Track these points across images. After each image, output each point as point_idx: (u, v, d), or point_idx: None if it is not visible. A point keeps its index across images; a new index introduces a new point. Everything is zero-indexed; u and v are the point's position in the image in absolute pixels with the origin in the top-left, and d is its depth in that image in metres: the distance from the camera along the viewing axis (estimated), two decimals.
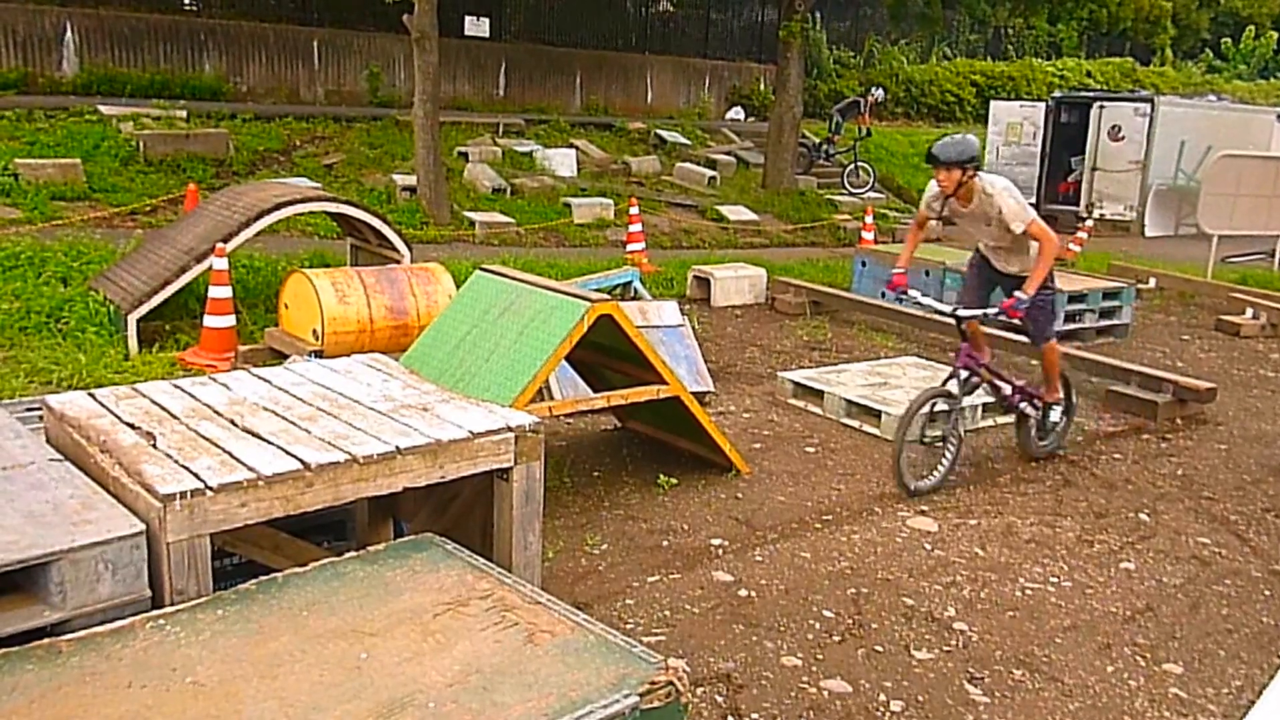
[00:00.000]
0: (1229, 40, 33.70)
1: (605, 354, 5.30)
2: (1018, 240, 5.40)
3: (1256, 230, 12.90)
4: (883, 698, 3.53)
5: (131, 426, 2.89)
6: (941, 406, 5.43)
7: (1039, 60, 29.00)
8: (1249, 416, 7.19)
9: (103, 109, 13.45)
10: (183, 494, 2.45)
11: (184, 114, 13.83)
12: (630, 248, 10.92)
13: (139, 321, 6.82)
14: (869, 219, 12.49)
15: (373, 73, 17.52)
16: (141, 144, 12.37)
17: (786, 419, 6.56)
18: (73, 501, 2.50)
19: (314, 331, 6.61)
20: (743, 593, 4.24)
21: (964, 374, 5.51)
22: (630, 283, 8.79)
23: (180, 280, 6.93)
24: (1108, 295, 9.37)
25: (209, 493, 2.49)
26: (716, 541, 4.73)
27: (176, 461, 2.63)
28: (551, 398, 5.64)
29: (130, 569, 2.37)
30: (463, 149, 14.93)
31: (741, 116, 22.23)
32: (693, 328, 7.18)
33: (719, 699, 3.47)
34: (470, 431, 3.00)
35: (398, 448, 2.84)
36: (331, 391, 3.36)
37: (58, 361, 6.43)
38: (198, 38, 16.23)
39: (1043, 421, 5.93)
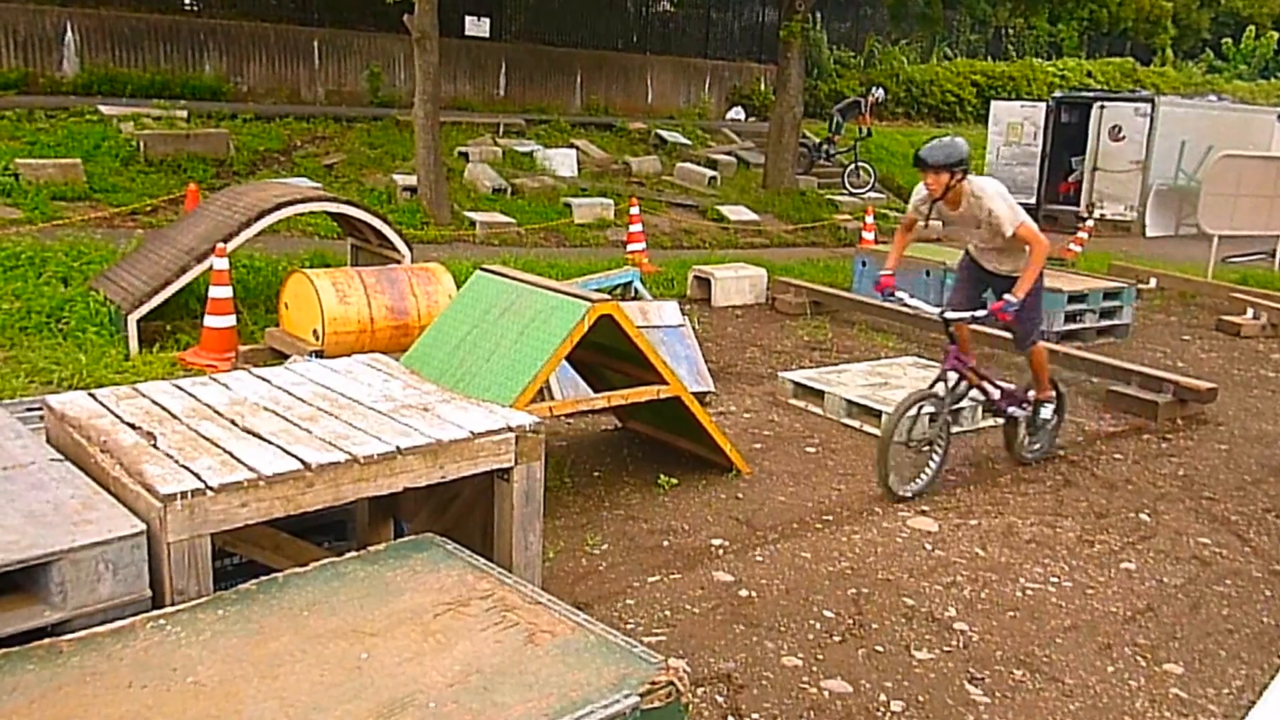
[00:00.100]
0: (1229, 40, 33.70)
1: (606, 354, 5.30)
2: (1009, 242, 5.32)
3: (1257, 230, 12.89)
4: (883, 698, 3.53)
5: (132, 426, 2.89)
6: (928, 409, 5.34)
7: (1039, 60, 29.00)
8: (1249, 417, 7.19)
9: (103, 109, 13.46)
10: (183, 494, 2.45)
11: (184, 114, 13.84)
12: (631, 248, 10.92)
13: (139, 321, 6.82)
14: (869, 219, 12.48)
15: (373, 73, 17.53)
16: (142, 144, 12.38)
17: (787, 419, 6.56)
18: (73, 501, 2.50)
19: (314, 331, 6.61)
20: (743, 593, 4.24)
21: (952, 377, 5.43)
22: (631, 283, 8.78)
23: (181, 280, 6.94)
24: (1108, 295, 9.36)
25: (209, 493, 2.49)
26: (717, 541, 4.73)
27: (177, 461, 2.63)
28: (552, 398, 5.64)
29: (131, 569, 2.37)
30: (463, 149, 14.94)
31: (742, 116, 22.23)
32: (693, 328, 7.18)
33: (719, 699, 3.46)
34: (471, 431, 3.00)
35: (398, 448, 2.84)
36: (332, 391, 3.36)
37: (58, 361, 6.43)
38: (198, 38, 16.23)
39: (1033, 419, 5.84)
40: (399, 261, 7.83)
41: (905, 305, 5.56)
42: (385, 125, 15.47)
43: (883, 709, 3.47)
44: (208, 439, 2.83)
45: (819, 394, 6.68)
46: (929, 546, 4.80)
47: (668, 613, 4.04)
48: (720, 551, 4.63)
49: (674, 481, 5.35)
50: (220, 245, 6.88)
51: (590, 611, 3.76)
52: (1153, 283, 11.88)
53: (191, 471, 2.57)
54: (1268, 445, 6.57)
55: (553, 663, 2.20)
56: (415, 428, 3.00)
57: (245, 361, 6.56)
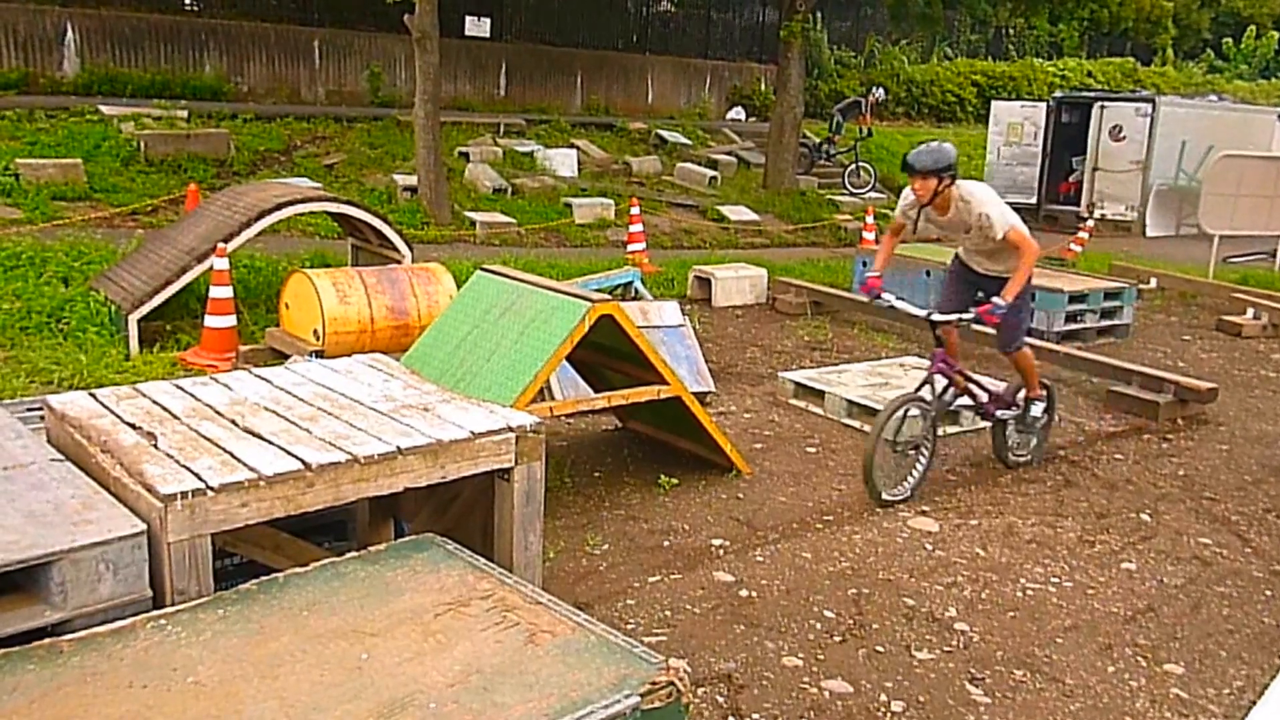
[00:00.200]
0: (1230, 40, 33.70)
1: (606, 354, 5.30)
2: (999, 244, 5.23)
3: (1257, 230, 12.89)
4: (884, 698, 3.53)
5: (132, 426, 2.89)
6: (915, 413, 5.25)
7: (1040, 60, 28.99)
8: (1250, 417, 7.19)
9: (103, 109, 13.46)
10: (184, 494, 2.45)
11: (185, 114, 13.84)
12: (631, 248, 10.92)
13: (140, 321, 6.82)
14: (870, 219, 12.48)
15: (373, 73, 17.53)
16: (142, 144, 12.38)
17: (787, 419, 6.56)
18: (74, 501, 2.50)
19: (315, 331, 6.61)
20: (744, 593, 4.24)
21: (939, 380, 5.35)
22: (631, 283, 8.78)
23: (181, 280, 6.94)
24: (1109, 295, 9.36)
25: (210, 493, 2.49)
26: (717, 542, 4.73)
27: (177, 461, 2.63)
28: (552, 398, 5.64)
29: (131, 569, 2.37)
30: (463, 149, 14.94)
31: (742, 116, 22.23)
32: (693, 328, 7.18)
33: (720, 699, 3.46)
34: (471, 432, 3.00)
35: (399, 448, 2.84)
36: (332, 392, 3.36)
37: (59, 362, 6.43)
38: (198, 38, 16.24)
39: (1023, 417, 5.74)
40: (399, 261, 7.83)
41: (893, 307, 5.44)
42: (386, 125, 15.47)
43: (883, 709, 3.47)
44: (208, 439, 2.83)
45: (819, 394, 6.68)
46: (929, 547, 4.80)
47: (668, 613, 4.04)
48: (721, 552, 4.63)
49: (674, 482, 5.35)
50: (221, 245, 6.88)
51: (591, 611, 3.76)
52: (1153, 283, 11.88)
53: (192, 471, 2.57)
54: (1268, 445, 6.57)
55: (553, 663, 2.20)
56: (416, 428, 3.00)
57: (246, 361, 6.56)
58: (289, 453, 2.74)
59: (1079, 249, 13.18)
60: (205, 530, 2.49)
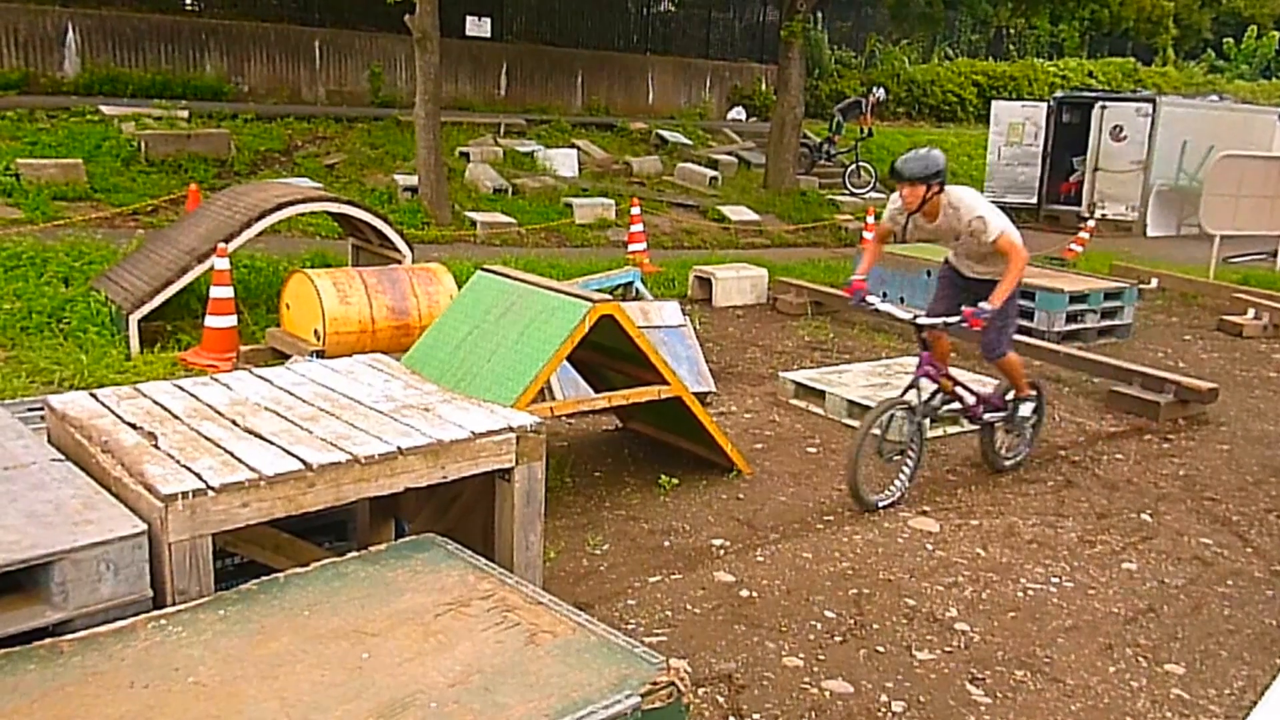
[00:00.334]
0: (1231, 40, 33.69)
1: (607, 354, 5.30)
2: (990, 249, 5.15)
3: (1258, 231, 12.88)
4: (884, 698, 3.53)
5: (133, 427, 2.89)
6: (900, 418, 5.18)
7: (1041, 60, 28.99)
8: (1251, 417, 7.19)
9: (104, 109, 13.47)
10: (184, 494, 2.45)
11: (185, 114, 13.85)
12: (632, 248, 10.92)
13: (140, 322, 6.83)
14: (871, 219, 12.47)
15: (374, 73, 17.54)
16: (143, 144, 12.39)
17: (788, 419, 6.56)
18: (74, 501, 2.50)
19: (315, 332, 6.61)
20: (744, 593, 4.24)
21: (925, 384, 5.26)
22: (632, 283, 8.79)
23: (182, 280, 6.94)
24: (1110, 296, 9.36)
25: (210, 493, 2.49)
26: (718, 542, 4.73)
27: (178, 462, 2.64)
28: (553, 398, 5.64)
29: (132, 569, 2.37)
30: (464, 149, 14.95)
31: (743, 116, 22.23)
32: (694, 328, 7.18)
33: (720, 699, 3.46)
34: (472, 432, 3.00)
35: (399, 448, 2.84)
36: (333, 392, 3.36)
37: (59, 362, 6.43)
38: (199, 38, 16.24)
39: (1011, 418, 5.65)
40: (400, 261, 7.83)
41: (878, 310, 5.35)
42: (386, 125, 15.47)
43: (884, 709, 3.46)
44: (209, 439, 2.83)
45: (820, 394, 6.68)
46: (930, 547, 4.80)
47: (669, 613, 4.04)
48: (721, 552, 4.63)
49: (675, 482, 5.35)
50: (221, 245, 6.88)
51: (591, 612, 3.76)
52: (1154, 283, 11.87)
53: (193, 472, 2.57)
54: (1269, 446, 6.56)
55: (554, 663, 2.20)
56: (416, 428, 3.00)
57: (246, 362, 6.56)
58: (290, 453, 2.74)
59: (1080, 249, 13.18)
60: (206, 530, 2.49)
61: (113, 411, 3.01)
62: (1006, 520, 5.15)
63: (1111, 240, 16.06)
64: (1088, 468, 5.98)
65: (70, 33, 15.02)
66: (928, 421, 5.38)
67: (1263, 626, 4.19)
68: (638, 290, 8.77)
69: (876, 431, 5.06)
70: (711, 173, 16.47)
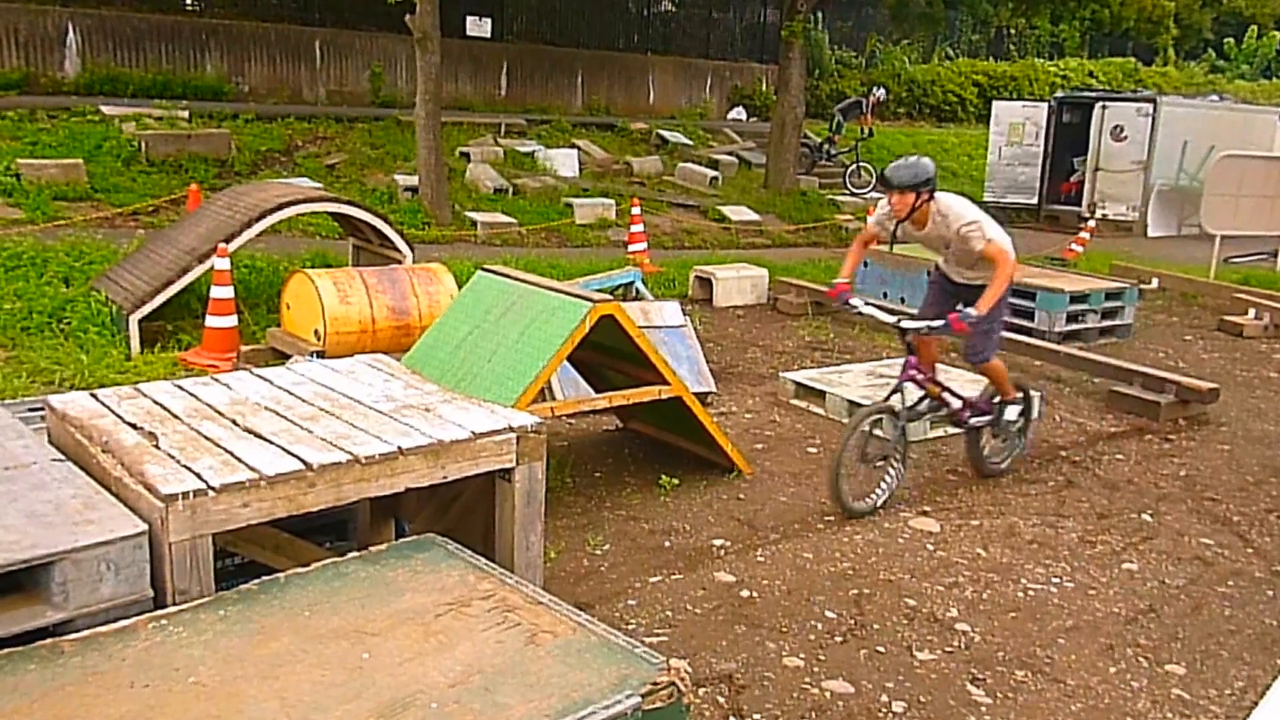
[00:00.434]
0: (1231, 40, 33.68)
1: (607, 354, 5.30)
2: (980, 255, 5.11)
3: (1259, 231, 12.88)
4: (885, 698, 3.53)
5: (133, 427, 2.89)
6: (884, 423, 5.15)
7: (1041, 60, 28.97)
8: (1251, 417, 7.18)
9: (105, 109, 13.47)
10: (185, 494, 2.45)
11: (186, 114, 13.85)
12: (632, 248, 10.92)
13: (141, 322, 6.83)
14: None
15: (374, 73, 17.53)
16: (143, 144, 12.38)
17: (788, 419, 6.56)
18: (75, 501, 2.50)
19: (316, 332, 6.61)
20: (745, 593, 4.24)
21: (910, 389, 5.22)
22: (632, 283, 8.79)
23: (182, 280, 6.94)
24: (1110, 296, 9.35)
25: (211, 493, 2.49)
26: (718, 542, 4.73)
27: (178, 461, 2.63)
28: (553, 398, 5.64)
29: (132, 569, 2.37)
30: (464, 149, 14.94)
31: (743, 117, 22.23)
32: (695, 328, 7.18)
33: (721, 699, 3.46)
34: (472, 432, 3.00)
35: (400, 448, 2.84)
36: (333, 392, 3.36)
37: (60, 362, 6.43)
38: (199, 38, 16.24)
39: (997, 422, 5.58)
40: (400, 262, 7.83)
41: (861, 313, 5.32)
42: (387, 125, 15.47)
43: (884, 710, 3.46)
44: (209, 439, 2.83)
45: (820, 394, 6.68)
46: (930, 547, 4.79)
47: (669, 613, 4.04)
48: (722, 552, 4.62)
49: (675, 482, 5.35)
50: (222, 245, 6.88)
51: (592, 612, 3.76)
52: (1155, 283, 11.87)
53: (193, 472, 2.57)
54: (1270, 446, 6.56)
55: (554, 663, 2.20)
56: (417, 428, 3.00)
57: (247, 362, 6.56)
58: (290, 453, 2.74)
59: (1080, 249, 13.16)
60: (206, 530, 2.49)
61: (113, 411, 3.01)
62: (1007, 520, 5.15)
63: (1112, 240, 16.06)
64: (1088, 468, 5.98)
65: (71, 33, 15.02)
66: (920, 425, 5.34)
67: (1263, 627, 4.19)
68: (638, 290, 8.77)
69: (860, 436, 5.03)
70: (712, 173, 16.46)
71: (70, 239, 8.87)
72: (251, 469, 2.62)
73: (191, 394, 3.24)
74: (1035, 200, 17.91)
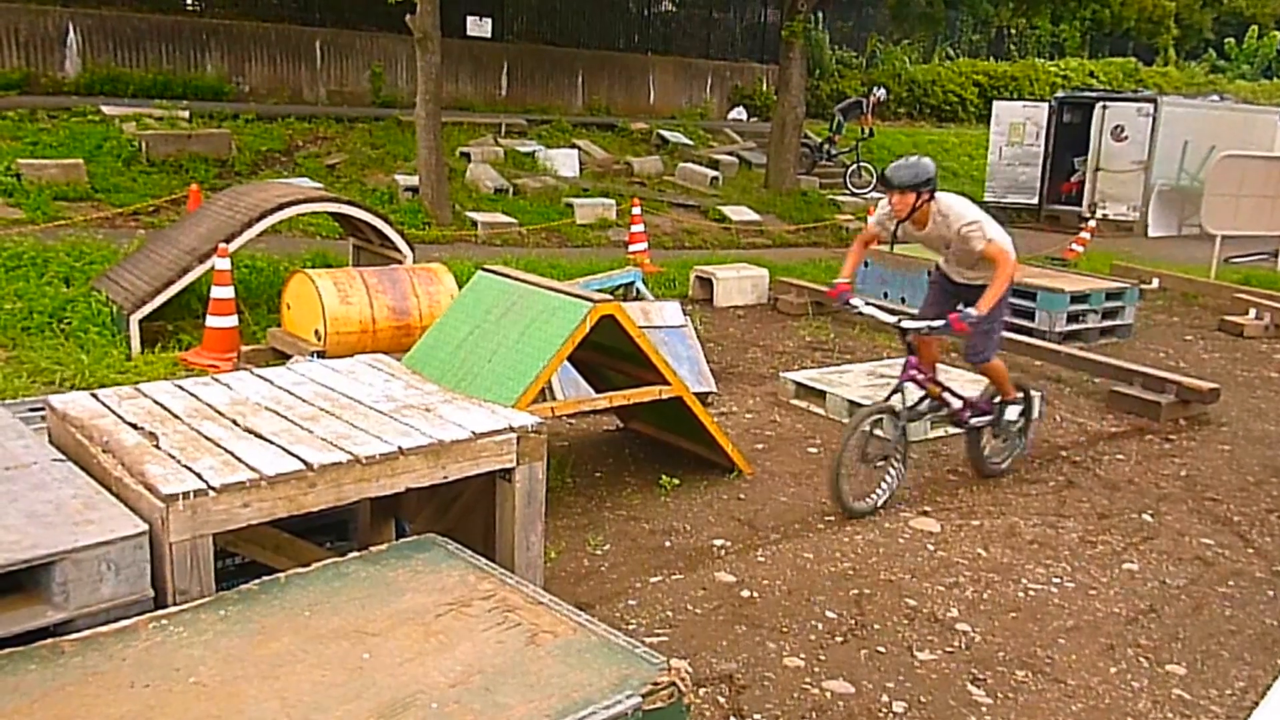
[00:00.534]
0: (1232, 40, 33.66)
1: (607, 354, 5.30)
2: (979, 255, 5.11)
3: (1260, 231, 12.87)
4: (885, 699, 3.53)
5: (134, 427, 2.89)
6: (884, 423, 5.14)
7: (1042, 60, 28.97)
8: (1252, 417, 7.18)
9: (105, 109, 13.47)
10: (185, 494, 2.45)
11: (186, 114, 13.85)
12: (632, 248, 10.92)
13: (141, 322, 6.83)
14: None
15: (375, 73, 17.54)
16: (144, 144, 12.39)
17: (789, 419, 6.56)
18: (75, 502, 2.50)
19: (316, 332, 6.61)
20: (745, 593, 4.24)
21: (910, 389, 5.21)
22: (632, 283, 8.79)
23: (182, 280, 6.94)
24: (1111, 296, 9.35)
25: (211, 493, 2.49)
26: (719, 542, 4.72)
27: (179, 462, 2.63)
28: (554, 398, 5.64)
29: (133, 569, 2.37)
30: (465, 149, 14.94)
31: (744, 117, 22.23)
32: (695, 328, 7.18)
33: (721, 700, 3.46)
34: (473, 432, 3.00)
35: (400, 448, 2.84)
36: (334, 392, 3.36)
37: (60, 362, 6.43)
38: (200, 38, 16.24)
39: (998, 421, 5.58)
40: (401, 262, 7.83)
41: (861, 313, 5.31)
42: (387, 125, 15.47)
43: (885, 710, 3.46)
44: (210, 439, 2.83)
45: (821, 394, 6.68)
46: (931, 547, 4.79)
47: (669, 613, 4.04)
48: (722, 552, 4.62)
49: (676, 482, 5.35)
50: (222, 245, 6.88)
51: (592, 612, 3.76)
52: (1155, 283, 11.87)
53: (193, 472, 2.57)
54: (1270, 446, 6.56)
55: (554, 663, 2.20)
56: (417, 428, 3.00)
57: (247, 362, 6.56)
58: (290, 453, 2.74)
59: (1081, 249, 13.16)
60: (207, 530, 2.49)
61: (114, 411, 3.01)
62: (1008, 520, 5.15)
63: (1112, 240, 16.06)
64: (1089, 468, 5.98)
65: (71, 33, 15.02)
66: (920, 425, 5.34)
67: (1264, 627, 4.19)
68: (638, 290, 8.77)
69: (860, 437, 5.03)
70: (712, 173, 16.46)
71: (71, 239, 8.87)
72: (252, 469, 2.62)
73: (192, 394, 3.24)
74: (1036, 200, 17.91)
